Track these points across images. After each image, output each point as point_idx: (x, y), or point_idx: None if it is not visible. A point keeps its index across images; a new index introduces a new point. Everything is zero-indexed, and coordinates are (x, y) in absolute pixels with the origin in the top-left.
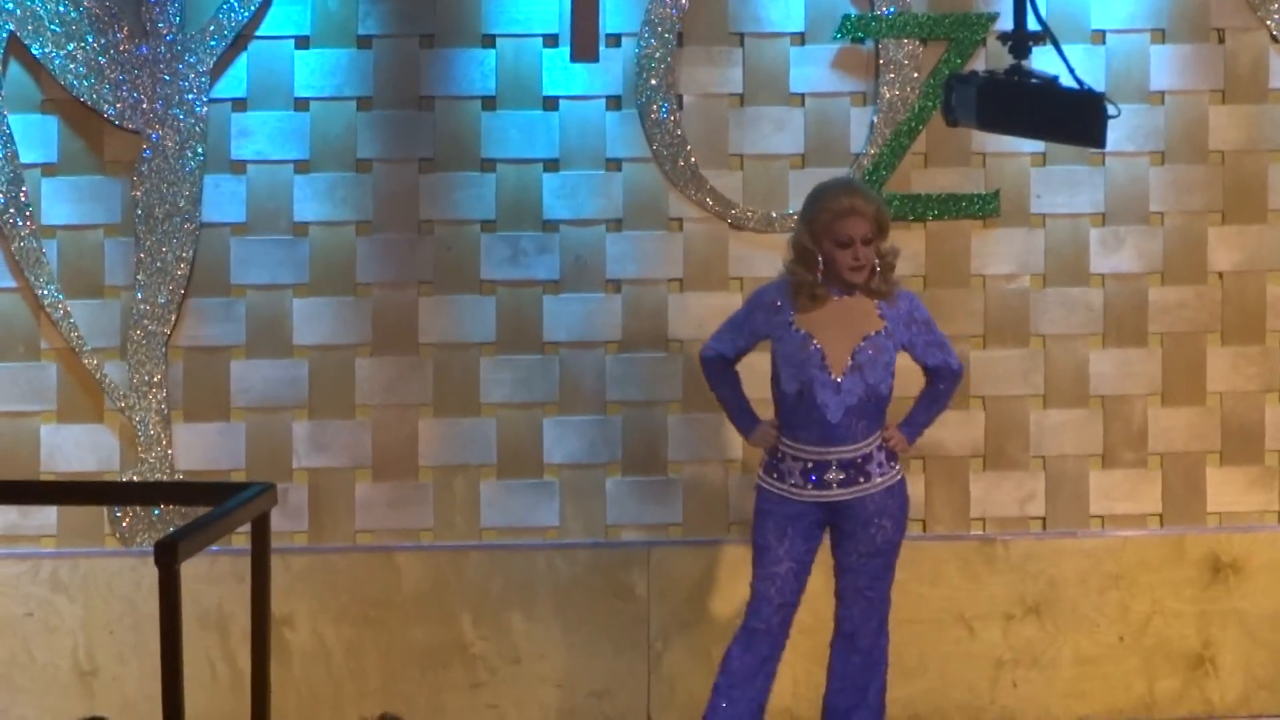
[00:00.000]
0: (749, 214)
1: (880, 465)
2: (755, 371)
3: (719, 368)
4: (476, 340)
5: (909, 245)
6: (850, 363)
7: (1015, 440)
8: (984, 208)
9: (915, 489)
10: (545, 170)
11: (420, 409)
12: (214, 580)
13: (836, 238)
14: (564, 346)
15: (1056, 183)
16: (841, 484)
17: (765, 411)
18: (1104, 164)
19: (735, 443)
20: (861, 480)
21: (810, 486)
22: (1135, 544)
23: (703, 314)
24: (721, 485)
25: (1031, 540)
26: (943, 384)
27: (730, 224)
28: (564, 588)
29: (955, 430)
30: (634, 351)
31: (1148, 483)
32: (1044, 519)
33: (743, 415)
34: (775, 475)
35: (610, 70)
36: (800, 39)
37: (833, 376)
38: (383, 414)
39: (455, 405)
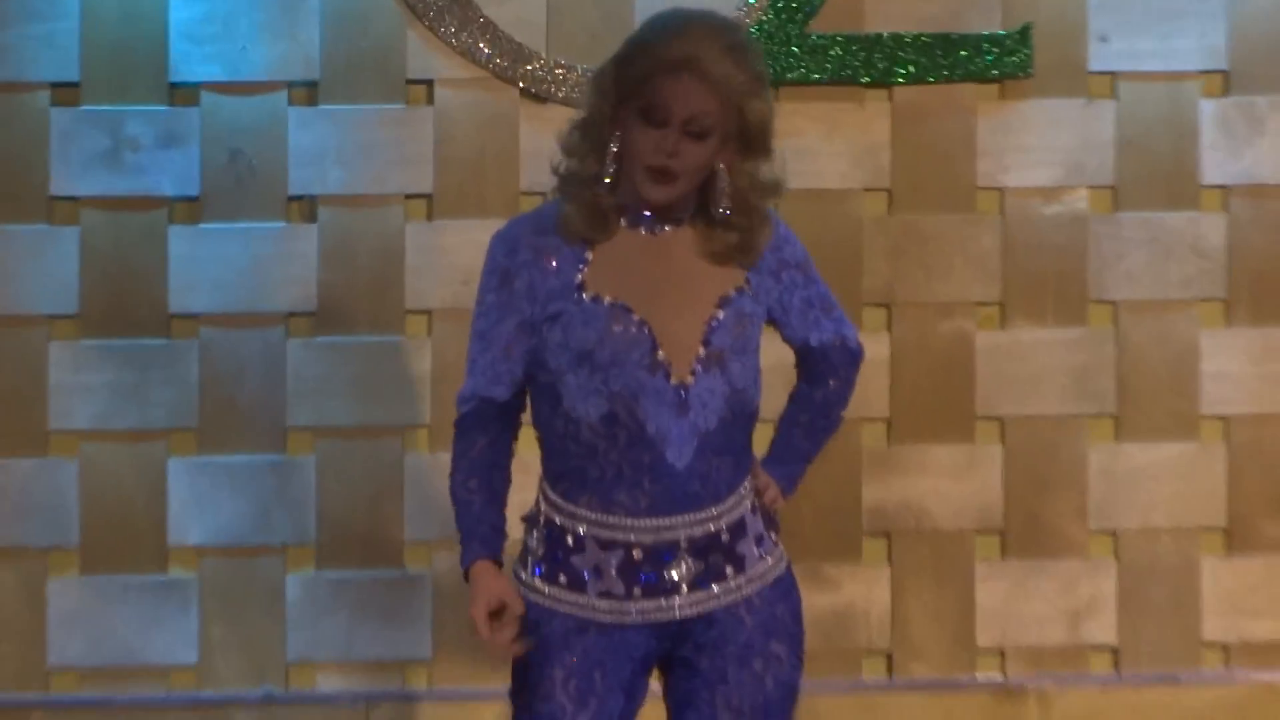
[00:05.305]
0: (558, 73)
1: (761, 540)
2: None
3: (483, 429)
4: (42, 311)
5: (863, 129)
6: (702, 351)
7: (1062, 499)
8: (1003, 61)
9: (876, 591)
10: None
11: None
12: None
13: (646, 106)
14: (207, 323)
15: (1140, 14)
16: (697, 583)
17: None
18: None
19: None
20: (731, 572)
21: (640, 595)
22: None
23: (470, 261)
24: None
25: (1095, 690)
26: (834, 378)
27: (524, 91)
28: None
29: (948, 481)
30: (341, 333)
31: None
32: (1116, 649)
33: (478, 528)
34: (564, 578)
35: None
36: None
37: (672, 380)
38: None
39: (3, 434)
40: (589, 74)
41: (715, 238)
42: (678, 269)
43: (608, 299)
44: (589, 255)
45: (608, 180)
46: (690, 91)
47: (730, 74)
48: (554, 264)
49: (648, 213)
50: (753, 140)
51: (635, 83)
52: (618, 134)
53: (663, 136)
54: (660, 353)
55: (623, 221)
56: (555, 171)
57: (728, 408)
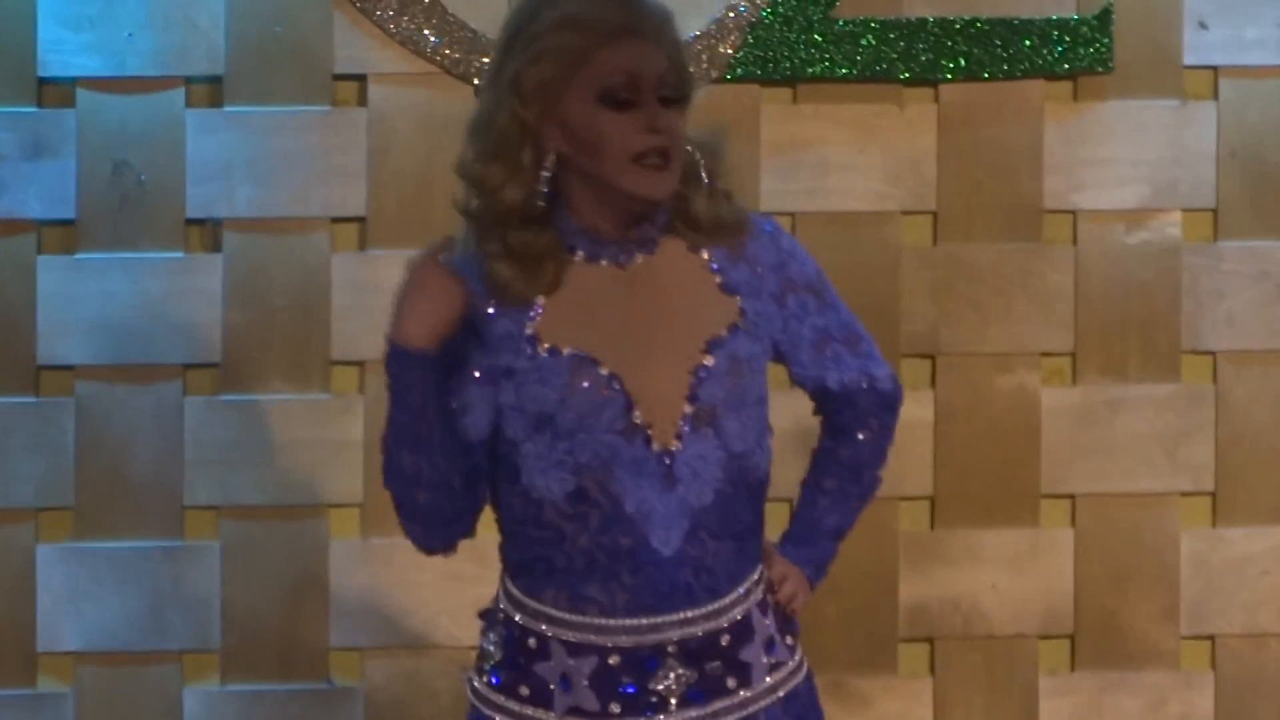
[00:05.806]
0: None
1: (772, 645)
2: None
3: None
4: None
5: (903, 137)
6: (689, 408)
7: (1147, 596)
8: (1076, 53)
9: (916, 708)
10: None
11: None
12: None
13: (609, 87)
14: (85, 376)
15: None
16: (690, 697)
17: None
18: None
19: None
20: (733, 684)
21: (618, 711)
22: None
23: None
24: (456, 695)
25: None
26: (864, 429)
27: (479, 89)
28: None
29: (1006, 574)
30: (251, 390)
31: None
32: None
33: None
34: (525, 690)
35: None
36: None
37: (654, 446)
38: None
39: None
40: (483, 77)
41: (709, 216)
42: (654, 307)
43: (567, 350)
44: (540, 300)
45: (540, 203)
46: (648, 53)
47: (669, 26)
48: (492, 310)
49: (613, 244)
50: (688, 98)
51: (570, 58)
52: (551, 150)
53: (643, 114)
54: (637, 413)
55: (579, 254)
56: (465, 214)
57: (725, 477)
